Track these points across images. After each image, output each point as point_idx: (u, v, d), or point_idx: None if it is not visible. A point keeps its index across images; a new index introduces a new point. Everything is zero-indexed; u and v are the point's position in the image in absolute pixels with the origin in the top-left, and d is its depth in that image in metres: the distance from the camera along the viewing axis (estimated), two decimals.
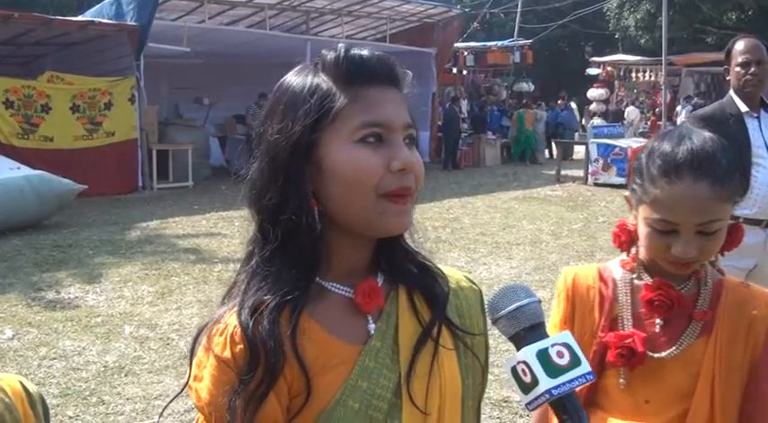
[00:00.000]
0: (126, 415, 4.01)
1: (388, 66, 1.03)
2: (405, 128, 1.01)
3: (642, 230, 1.45)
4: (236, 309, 1.00)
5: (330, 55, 1.02)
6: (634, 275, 1.53)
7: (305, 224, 0.99)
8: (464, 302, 1.14)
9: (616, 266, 1.57)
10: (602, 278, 1.55)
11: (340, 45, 1.03)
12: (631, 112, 22.49)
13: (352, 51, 1.02)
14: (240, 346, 0.96)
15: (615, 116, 21.10)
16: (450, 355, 1.08)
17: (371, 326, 1.04)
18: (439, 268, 1.13)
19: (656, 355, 1.45)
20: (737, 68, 3.56)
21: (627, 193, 1.52)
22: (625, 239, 1.53)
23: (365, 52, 1.02)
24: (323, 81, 1.00)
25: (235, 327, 0.98)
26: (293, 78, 1.04)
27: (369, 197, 0.97)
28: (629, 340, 1.44)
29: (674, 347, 1.45)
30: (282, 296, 0.98)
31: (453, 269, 1.19)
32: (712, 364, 1.44)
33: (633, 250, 1.54)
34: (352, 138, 0.98)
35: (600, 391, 1.52)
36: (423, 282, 1.09)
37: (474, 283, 1.18)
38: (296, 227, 0.99)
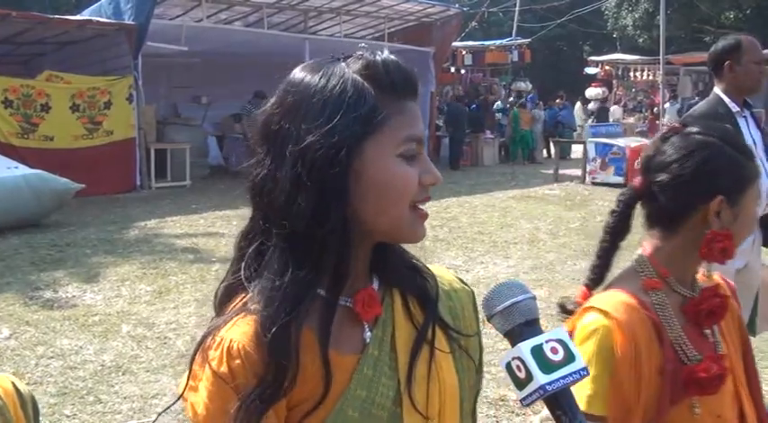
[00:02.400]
0: (123, 414, 4.02)
1: (416, 78, 1.02)
2: (425, 142, 1.04)
3: (750, 213, 1.44)
4: (240, 325, 0.96)
5: (375, 59, 0.99)
6: (663, 294, 1.42)
7: (344, 232, 0.96)
8: (457, 304, 1.14)
9: (638, 291, 1.43)
10: (642, 305, 1.40)
11: (377, 50, 1.00)
12: (615, 111, 22.65)
13: (393, 59, 1.00)
14: (238, 361, 0.94)
15: (600, 114, 21.21)
16: (447, 358, 1.08)
17: (368, 334, 1.03)
18: (428, 268, 1.12)
19: None
20: (754, 66, 3.53)
21: (713, 204, 1.38)
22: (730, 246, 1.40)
23: (401, 62, 1.01)
24: (366, 87, 0.97)
25: (232, 340, 0.95)
26: (320, 78, 0.98)
27: (404, 208, 0.99)
28: (715, 368, 1.35)
29: (720, 350, 1.42)
30: (307, 313, 0.96)
31: (445, 269, 1.18)
32: (730, 352, 1.44)
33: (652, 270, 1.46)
34: (396, 150, 0.98)
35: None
36: (415, 284, 1.08)
37: (466, 284, 1.18)
38: (330, 236, 0.96)
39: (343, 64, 0.99)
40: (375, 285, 1.06)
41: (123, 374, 4.52)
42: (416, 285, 1.08)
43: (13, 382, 1.15)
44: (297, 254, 0.96)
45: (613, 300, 1.41)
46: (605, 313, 1.38)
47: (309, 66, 1.01)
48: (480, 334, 1.17)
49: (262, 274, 0.98)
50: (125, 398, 4.19)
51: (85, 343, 5.08)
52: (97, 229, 9.16)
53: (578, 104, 22.76)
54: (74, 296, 6.25)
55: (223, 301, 1.04)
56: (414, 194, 0.99)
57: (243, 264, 1.01)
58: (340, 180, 0.95)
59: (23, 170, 9.07)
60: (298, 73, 1.01)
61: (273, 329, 0.93)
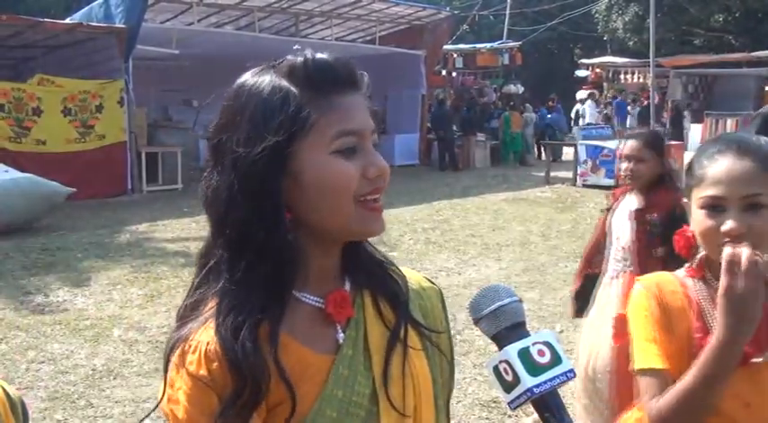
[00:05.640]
0: (114, 418, 4.01)
1: (350, 69, 1.02)
2: (372, 133, 1.02)
3: (695, 221, 1.47)
4: (211, 328, 0.97)
5: (297, 61, 0.99)
6: (704, 285, 1.51)
7: (281, 236, 0.97)
8: (427, 302, 1.16)
9: (684, 276, 1.55)
10: (682, 284, 1.53)
11: (305, 50, 1.01)
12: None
13: (318, 57, 1.00)
14: (216, 364, 0.95)
15: (579, 116, 21.39)
16: (420, 356, 1.09)
17: (340, 335, 1.04)
18: (399, 269, 1.14)
19: (754, 360, 1.43)
20: None
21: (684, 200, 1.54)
22: (683, 244, 1.53)
23: (329, 57, 1.01)
24: (291, 89, 0.98)
25: (208, 343, 0.96)
26: (254, 85, 1.00)
27: (348, 205, 0.99)
28: None
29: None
30: (260, 312, 0.96)
31: (411, 270, 1.20)
32: None
33: (697, 260, 1.53)
34: (329, 148, 0.98)
35: None
36: (386, 285, 1.10)
37: (433, 283, 1.20)
38: (270, 240, 0.97)
39: (272, 70, 1.01)
40: (347, 286, 1.08)
41: (115, 379, 4.51)
42: (386, 286, 1.10)
43: (2, 387, 1.17)
44: (239, 262, 0.98)
45: (661, 276, 1.58)
46: (648, 285, 1.54)
47: (244, 77, 1.03)
48: (450, 331, 1.19)
49: (214, 288, 1.00)
50: (116, 402, 4.18)
51: (76, 347, 5.07)
52: (88, 232, 9.13)
53: (589, 102, 22.94)
54: (65, 300, 6.23)
55: (186, 315, 1.03)
56: (356, 189, 0.99)
57: (201, 280, 1.03)
58: (272, 187, 0.97)
59: (14, 174, 9.03)
60: (233, 86, 1.03)
61: (223, 335, 0.95)
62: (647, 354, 1.47)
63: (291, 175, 0.98)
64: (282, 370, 0.96)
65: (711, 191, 1.43)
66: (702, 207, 1.44)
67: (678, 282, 1.54)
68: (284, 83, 0.99)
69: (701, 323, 1.47)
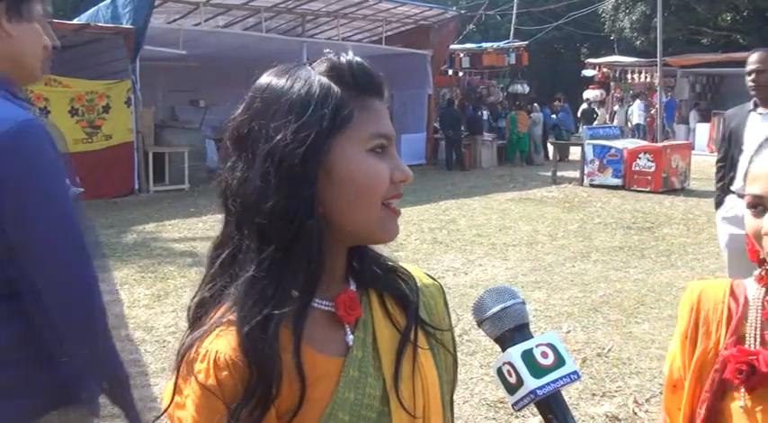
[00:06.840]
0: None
1: (382, 80, 1.04)
2: (395, 140, 1.05)
3: (745, 221, 1.36)
4: (222, 336, 0.96)
5: (340, 61, 1.01)
6: (763, 290, 1.40)
7: (314, 229, 0.96)
8: (430, 299, 1.15)
9: (751, 283, 1.43)
10: (732, 293, 1.43)
11: (346, 53, 1.03)
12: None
13: (359, 60, 1.02)
14: (225, 373, 0.94)
15: (585, 115, 21.33)
16: (427, 355, 1.09)
17: (350, 337, 1.03)
18: (404, 268, 1.14)
19: None
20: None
21: None
22: (751, 247, 1.40)
23: (367, 63, 1.03)
24: (332, 86, 0.99)
25: (218, 352, 0.95)
26: (286, 80, 1.00)
27: (376, 205, 1.00)
28: (753, 357, 1.32)
29: None
30: (283, 311, 0.95)
31: (412, 266, 1.19)
32: None
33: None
34: (366, 146, 0.99)
35: (721, 414, 1.38)
36: (391, 284, 1.10)
37: (434, 279, 1.19)
38: (302, 231, 0.96)
39: (308, 67, 1.02)
40: (352, 287, 1.07)
41: None
42: (392, 285, 1.10)
43: None
44: (269, 253, 0.96)
45: (713, 284, 1.49)
46: (692, 291, 1.47)
47: (275, 71, 1.03)
48: (452, 327, 1.18)
49: (236, 279, 0.98)
50: None
51: None
52: (95, 232, 9.16)
53: (638, 101, 22.90)
54: None
55: (198, 314, 1.02)
56: (385, 191, 1.00)
57: (216, 272, 1.01)
58: (308, 177, 0.96)
59: None
60: (264, 78, 1.02)
61: (247, 329, 0.93)
62: (668, 358, 1.49)
63: (324, 169, 0.97)
64: (301, 368, 0.95)
65: (752, 189, 1.34)
66: (747, 206, 1.34)
67: (729, 291, 1.43)
68: (324, 79, 1.00)
69: (734, 339, 1.37)
